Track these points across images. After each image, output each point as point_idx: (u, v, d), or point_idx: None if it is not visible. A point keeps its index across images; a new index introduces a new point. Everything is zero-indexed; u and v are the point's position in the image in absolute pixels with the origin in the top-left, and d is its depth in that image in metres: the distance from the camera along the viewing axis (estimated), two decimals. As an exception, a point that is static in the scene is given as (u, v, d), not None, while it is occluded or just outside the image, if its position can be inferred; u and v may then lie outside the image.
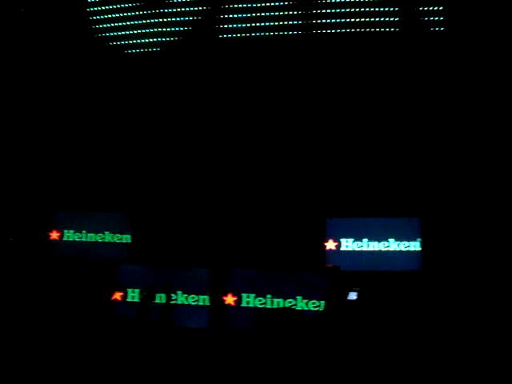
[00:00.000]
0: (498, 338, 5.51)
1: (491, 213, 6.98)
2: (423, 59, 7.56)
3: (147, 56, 8.38)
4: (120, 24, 8.36)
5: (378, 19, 7.48)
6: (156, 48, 8.34)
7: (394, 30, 7.48)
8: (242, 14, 7.92)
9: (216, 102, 8.16)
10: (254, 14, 7.87)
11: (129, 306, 6.65)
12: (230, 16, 7.96)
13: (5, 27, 8.57)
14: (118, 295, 6.81)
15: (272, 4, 7.76)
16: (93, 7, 8.39)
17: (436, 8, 7.33)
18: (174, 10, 8.13)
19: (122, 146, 8.32)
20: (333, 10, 7.63)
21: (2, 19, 8.57)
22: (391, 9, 7.43)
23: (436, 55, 7.50)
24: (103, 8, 8.41)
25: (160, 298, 6.19)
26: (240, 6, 7.86)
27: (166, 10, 8.15)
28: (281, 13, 7.79)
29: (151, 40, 8.34)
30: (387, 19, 7.48)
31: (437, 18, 7.38)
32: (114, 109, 8.45)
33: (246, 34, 7.95)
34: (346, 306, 5.47)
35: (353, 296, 5.92)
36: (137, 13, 8.25)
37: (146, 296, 5.45)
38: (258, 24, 7.89)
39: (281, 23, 7.84)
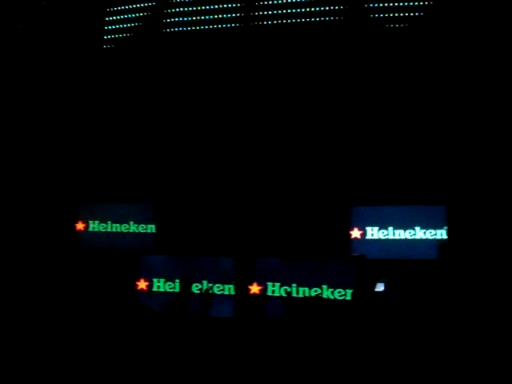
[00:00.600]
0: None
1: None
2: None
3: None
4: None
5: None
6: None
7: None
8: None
9: (241, 93, 8.15)
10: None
11: (154, 296, 6.69)
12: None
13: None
14: (143, 285, 6.84)
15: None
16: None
17: None
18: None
19: (147, 137, 8.37)
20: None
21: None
22: None
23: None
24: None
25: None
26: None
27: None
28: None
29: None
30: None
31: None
32: (139, 101, 8.51)
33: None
34: (374, 296, 5.43)
35: (380, 287, 5.89)
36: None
37: (184, 286, 5.47)
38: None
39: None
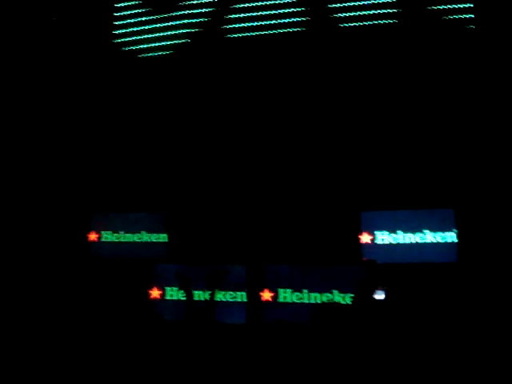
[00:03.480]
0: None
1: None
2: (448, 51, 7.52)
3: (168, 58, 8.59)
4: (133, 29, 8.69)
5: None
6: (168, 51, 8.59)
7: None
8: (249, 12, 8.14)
9: (240, 99, 8.23)
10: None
11: (167, 305, 6.77)
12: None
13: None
14: (156, 293, 6.93)
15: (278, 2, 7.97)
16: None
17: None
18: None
19: (159, 147, 8.44)
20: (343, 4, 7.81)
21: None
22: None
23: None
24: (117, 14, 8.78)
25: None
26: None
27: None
28: (290, 10, 7.97)
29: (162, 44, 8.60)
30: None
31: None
32: (147, 109, 8.59)
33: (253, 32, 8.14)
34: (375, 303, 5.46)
35: (381, 295, 5.88)
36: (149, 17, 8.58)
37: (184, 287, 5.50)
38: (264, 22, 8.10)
39: (288, 20, 8.00)
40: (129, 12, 8.84)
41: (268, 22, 8.05)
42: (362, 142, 7.71)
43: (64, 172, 8.67)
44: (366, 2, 7.68)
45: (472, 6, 7.41)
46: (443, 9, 7.49)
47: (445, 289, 6.67)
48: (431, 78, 7.55)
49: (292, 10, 8.01)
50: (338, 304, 5.97)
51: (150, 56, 8.66)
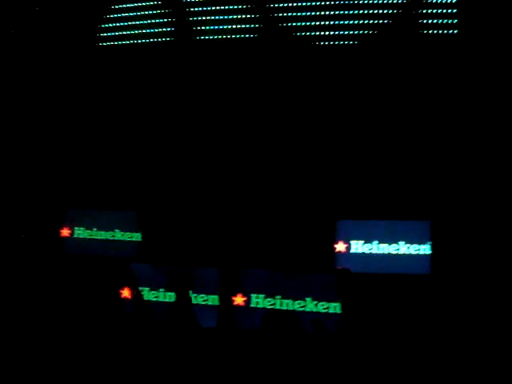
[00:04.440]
0: (508, 343, 5.50)
1: (502, 216, 6.94)
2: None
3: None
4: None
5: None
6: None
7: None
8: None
9: (226, 102, 8.19)
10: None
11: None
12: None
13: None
14: (127, 293, 6.83)
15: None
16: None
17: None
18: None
19: (134, 145, 8.37)
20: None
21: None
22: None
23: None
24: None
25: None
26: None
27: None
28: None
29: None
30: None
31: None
32: (124, 107, 8.51)
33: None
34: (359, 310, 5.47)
35: None
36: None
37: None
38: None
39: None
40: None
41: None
42: (341, 152, 7.73)
43: (39, 167, 8.54)
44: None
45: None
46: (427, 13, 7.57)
47: (417, 300, 6.70)
48: (411, 91, 7.61)
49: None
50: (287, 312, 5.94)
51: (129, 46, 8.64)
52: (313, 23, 7.93)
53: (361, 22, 7.77)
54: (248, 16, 8.20)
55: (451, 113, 7.44)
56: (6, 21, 8.76)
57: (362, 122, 7.70)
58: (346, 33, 7.86)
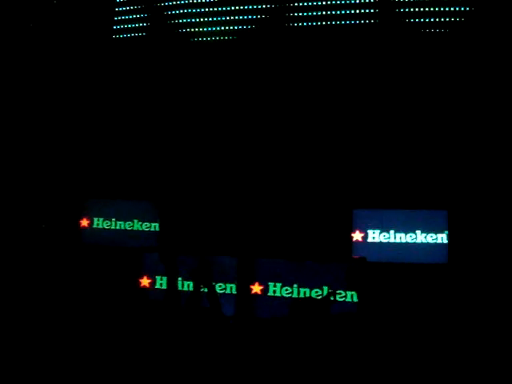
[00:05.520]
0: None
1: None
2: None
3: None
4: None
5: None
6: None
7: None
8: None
9: (244, 94, 8.22)
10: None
11: (157, 293, 6.76)
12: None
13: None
14: (146, 282, 6.91)
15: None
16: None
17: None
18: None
19: (152, 136, 8.43)
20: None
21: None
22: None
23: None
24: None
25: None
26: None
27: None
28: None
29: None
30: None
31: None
32: (142, 98, 8.57)
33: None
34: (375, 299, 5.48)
35: None
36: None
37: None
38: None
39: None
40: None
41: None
42: (358, 141, 7.73)
43: (59, 158, 8.63)
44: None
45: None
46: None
47: (434, 289, 6.70)
48: (425, 80, 7.59)
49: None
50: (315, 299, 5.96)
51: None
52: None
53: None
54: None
55: (470, 104, 7.41)
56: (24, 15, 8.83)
57: (380, 111, 7.69)
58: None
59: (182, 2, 8.39)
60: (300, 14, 8.02)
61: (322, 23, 7.96)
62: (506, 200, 7.00)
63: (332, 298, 5.23)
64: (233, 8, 8.22)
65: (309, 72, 8.02)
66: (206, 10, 8.31)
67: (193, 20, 8.42)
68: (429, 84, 7.58)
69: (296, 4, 7.98)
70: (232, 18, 8.27)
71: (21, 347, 5.25)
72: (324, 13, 7.91)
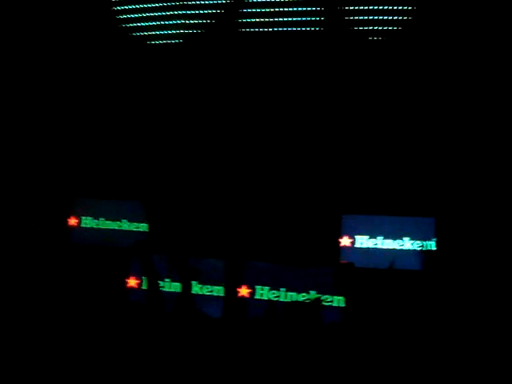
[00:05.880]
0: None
1: (508, 214, 6.96)
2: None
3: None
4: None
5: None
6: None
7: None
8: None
9: (233, 95, 8.22)
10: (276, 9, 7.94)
11: (144, 294, 6.73)
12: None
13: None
14: (133, 283, 6.89)
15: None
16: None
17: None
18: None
19: (141, 136, 8.41)
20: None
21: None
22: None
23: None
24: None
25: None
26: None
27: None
28: (304, 8, 7.86)
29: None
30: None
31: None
32: (133, 99, 8.55)
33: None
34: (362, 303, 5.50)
35: None
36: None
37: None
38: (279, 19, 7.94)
39: (301, 19, 7.91)
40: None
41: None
42: (347, 146, 7.76)
43: (46, 156, 8.58)
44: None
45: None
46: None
47: (421, 296, 6.73)
48: (408, 88, 7.65)
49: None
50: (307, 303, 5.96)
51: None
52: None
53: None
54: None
55: (459, 111, 7.46)
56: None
57: (369, 117, 7.73)
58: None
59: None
60: (249, 20, 8.09)
61: (270, 30, 8.01)
62: (493, 207, 7.05)
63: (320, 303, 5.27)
64: (183, 12, 8.28)
65: (289, 83, 8.05)
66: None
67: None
68: (415, 94, 7.63)
69: (246, 10, 8.03)
70: (183, 21, 8.32)
71: (8, 346, 5.22)
72: (272, 19, 7.95)
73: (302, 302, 5.58)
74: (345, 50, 7.88)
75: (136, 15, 8.54)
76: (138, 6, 8.41)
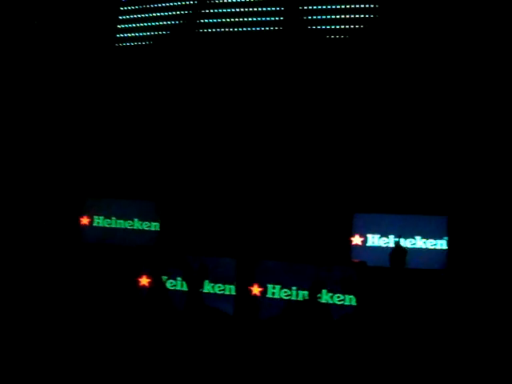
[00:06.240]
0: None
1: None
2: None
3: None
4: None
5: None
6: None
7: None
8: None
9: (244, 94, 8.24)
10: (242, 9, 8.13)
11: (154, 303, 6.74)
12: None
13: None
14: (145, 281, 6.91)
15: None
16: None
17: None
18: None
19: (153, 135, 8.44)
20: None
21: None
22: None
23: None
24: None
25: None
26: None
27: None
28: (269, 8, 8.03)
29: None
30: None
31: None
32: (143, 98, 8.59)
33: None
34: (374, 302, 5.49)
35: None
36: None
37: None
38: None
39: (270, 19, 8.08)
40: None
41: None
42: (359, 145, 7.75)
43: (60, 156, 8.65)
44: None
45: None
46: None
47: (432, 295, 6.71)
48: (424, 86, 7.63)
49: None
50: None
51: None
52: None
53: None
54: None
55: (470, 109, 7.44)
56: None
57: (381, 115, 7.72)
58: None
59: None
60: (210, 21, 8.27)
61: (230, 30, 8.23)
62: (505, 206, 7.01)
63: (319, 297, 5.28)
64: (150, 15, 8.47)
65: (306, 79, 8.06)
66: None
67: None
68: (427, 90, 7.61)
69: (207, 11, 8.25)
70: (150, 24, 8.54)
71: (20, 344, 5.26)
72: (233, 20, 8.16)
73: (313, 301, 5.57)
74: (305, 49, 7.94)
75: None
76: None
